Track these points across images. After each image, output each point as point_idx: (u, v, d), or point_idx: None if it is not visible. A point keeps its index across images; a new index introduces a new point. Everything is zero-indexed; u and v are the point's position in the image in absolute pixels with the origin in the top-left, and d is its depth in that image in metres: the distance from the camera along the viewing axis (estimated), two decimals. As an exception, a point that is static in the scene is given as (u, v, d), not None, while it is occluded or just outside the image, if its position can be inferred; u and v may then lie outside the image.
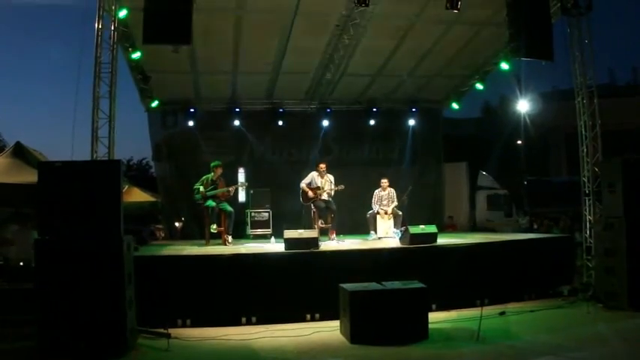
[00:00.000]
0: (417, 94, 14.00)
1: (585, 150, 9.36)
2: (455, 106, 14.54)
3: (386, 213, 10.79)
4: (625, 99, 25.96)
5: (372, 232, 10.77)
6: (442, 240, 9.01)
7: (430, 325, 6.51)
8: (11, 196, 9.01)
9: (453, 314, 7.62)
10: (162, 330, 6.48)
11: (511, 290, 8.40)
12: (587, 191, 9.26)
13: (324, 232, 10.21)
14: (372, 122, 14.10)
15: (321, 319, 7.35)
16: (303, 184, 10.47)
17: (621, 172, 7.87)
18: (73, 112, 8.21)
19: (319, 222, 10.42)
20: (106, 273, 5.80)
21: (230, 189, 10.22)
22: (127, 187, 13.13)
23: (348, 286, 6.56)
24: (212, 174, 9.99)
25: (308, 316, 7.43)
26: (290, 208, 12.47)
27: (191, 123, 13.28)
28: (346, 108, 14.09)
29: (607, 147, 9.29)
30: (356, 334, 6.23)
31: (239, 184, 11.30)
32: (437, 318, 7.12)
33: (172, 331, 6.50)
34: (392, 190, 11.09)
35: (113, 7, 8.12)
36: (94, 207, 5.93)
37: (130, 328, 5.92)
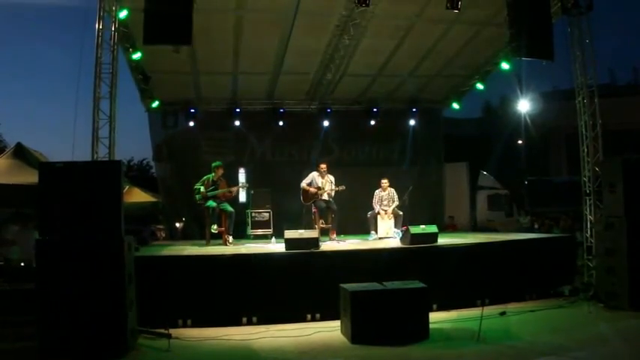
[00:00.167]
0: (418, 94, 14.01)
1: (586, 150, 9.36)
2: (455, 106, 14.55)
3: (386, 213, 10.79)
4: (625, 99, 25.94)
5: (373, 232, 10.77)
6: (443, 240, 9.01)
7: (431, 325, 6.52)
8: (12, 197, 9.02)
9: (453, 314, 7.62)
10: (162, 330, 6.48)
11: (512, 290, 8.40)
12: (587, 191, 9.26)
13: (324, 233, 10.22)
14: (372, 122, 14.10)
15: (322, 319, 7.36)
16: (303, 184, 10.47)
17: (622, 171, 7.87)
18: (74, 112, 8.22)
19: (320, 222, 10.42)
20: (106, 273, 5.81)
21: (232, 189, 10.23)
22: (127, 187, 13.12)
23: (348, 286, 6.57)
24: (213, 174, 9.99)
25: (308, 316, 7.43)
26: (290, 208, 12.45)
27: (191, 123, 13.29)
28: (346, 108, 14.09)
29: (608, 147, 9.29)
30: (357, 334, 6.23)
31: (240, 184, 11.31)
32: (437, 318, 7.12)
33: (173, 332, 6.51)
34: (392, 190, 11.09)
35: (114, 8, 8.12)
36: (94, 207, 5.94)
37: (130, 328, 5.93)
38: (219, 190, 9.92)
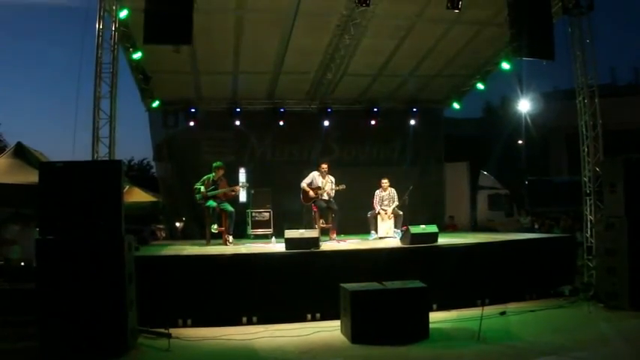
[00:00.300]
0: (418, 94, 14.01)
1: (586, 150, 9.36)
2: (456, 106, 14.55)
3: (386, 213, 10.79)
4: (626, 98, 25.94)
5: (373, 231, 10.77)
6: (443, 240, 9.01)
7: (431, 325, 6.52)
8: (12, 197, 9.02)
9: (453, 314, 7.61)
10: (162, 330, 6.48)
11: (512, 290, 8.40)
12: (588, 191, 9.26)
13: (325, 232, 10.22)
14: (372, 122, 14.11)
15: (322, 318, 7.35)
16: (303, 184, 10.47)
17: (622, 171, 7.88)
18: (74, 112, 8.23)
19: (320, 222, 10.42)
20: (106, 273, 5.81)
21: (235, 188, 10.23)
22: (127, 187, 13.13)
23: (348, 285, 6.56)
24: (213, 174, 9.99)
25: (309, 316, 7.43)
26: (291, 207, 12.46)
27: (192, 123, 13.31)
28: (347, 108, 14.09)
29: (608, 147, 9.29)
30: (357, 333, 6.23)
31: (240, 184, 11.31)
32: (437, 318, 7.12)
33: (173, 331, 6.50)
34: (392, 190, 11.09)
35: (114, 8, 8.13)
36: (95, 207, 5.94)
37: (130, 327, 5.93)
38: (220, 190, 9.92)
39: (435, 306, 7.57)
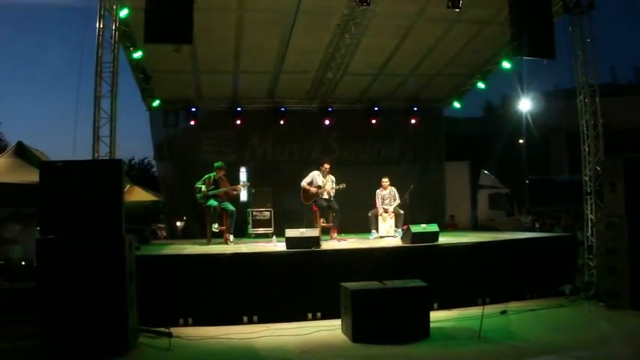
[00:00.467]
0: (419, 93, 14.01)
1: (587, 149, 9.36)
2: (456, 105, 14.54)
3: (387, 212, 10.80)
4: (627, 98, 25.94)
5: (374, 230, 10.77)
6: (443, 239, 9.02)
7: (431, 324, 6.51)
8: (13, 196, 9.02)
9: (454, 313, 7.62)
10: (163, 329, 6.48)
11: (512, 289, 8.39)
12: (588, 190, 9.26)
13: (325, 231, 10.21)
14: (373, 121, 14.11)
15: (323, 317, 7.36)
16: (304, 183, 10.46)
17: (623, 171, 7.88)
18: (75, 111, 8.24)
19: (321, 221, 10.41)
20: (107, 272, 5.82)
21: (237, 187, 10.23)
22: (128, 186, 13.14)
23: (349, 285, 6.56)
24: (214, 173, 9.99)
25: (309, 315, 7.43)
26: (291, 207, 12.46)
27: (192, 122, 13.32)
28: (347, 107, 14.08)
29: (609, 146, 9.30)
30: (357, 332, 6.23)
31: (241, 183, 11.31)
32: (438, 317, 7.12)
33: (174, 330, 6.51)
34: (393, 189, 11.09)
35: (114, 7, 8.12)
36: (95, 206, 5.94)
37: (131, 327, 5.93)
38: (221, 189, 9.92)
39: (435, 305, 7.57)
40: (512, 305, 7.93)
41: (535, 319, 7.32)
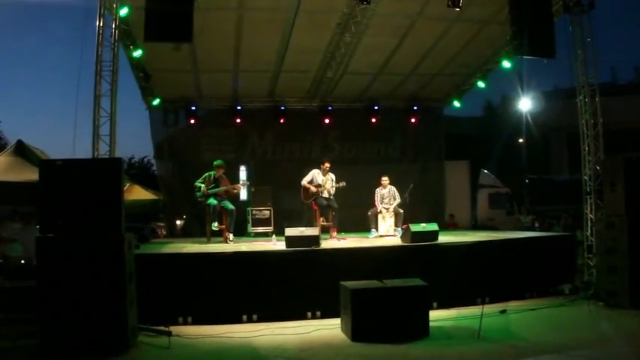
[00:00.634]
0: (419, 93, 14.02)
1: (587, 148, 9.36)
2: (456, 104, 14.55)
3: (387, 211, 10.80)
4: (627, 97, 25.93)
5: (373, 229, 10.76)
6: (443, 238, 9.02)
7: (431, 323, 6.51)
8: (13, 194, 9.02)
9: (453, 312, 7.62)
10: (163, 328, 6.49)
11: (512, 288, 8.39)
12: (588, 190, 9.26)
13: (325, 230, 10.21)
14: (373, 120, 14.13)
15: (322, 316, 7.36)
16: (304, 182, 10.45)
17: (623, 170, 7.87)
18: (75, 110, 8.23)
19: (320, 220, 10.41)
20: (107, 271, 5.82)
21: (237, 186, 10.23)
22: (128, 185, 13.13)
23: (349, 284, 6.56)
24: (214, 172, 9.98)
25: (309, 314, 7.43)
26: (291, 205, 12.49)
27: (192, 121, 13.34)
28: (347, 106, 14.09)
29: (608, 145, 9.30)
30: (357, 331, 6.23)
31: (241, 182, 11.32)
32: (438, 316, 7.12)
33: (173, 329, 6.51)
34: (393, 187, 11.09)
35: (114, 5, 8.12)
36: (95, 205, 5.94)
37: (131, 325, 5.93)
38: (221, 188, 9.92)
39: (435, 304, 7.57)
40: (511, 304, 7.93)
41: (534, 318, 7.32)
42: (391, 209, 10.81)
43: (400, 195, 11.04)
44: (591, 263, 8.91)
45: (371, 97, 13.99)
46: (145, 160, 35.10)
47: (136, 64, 10.74)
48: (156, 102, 12.90)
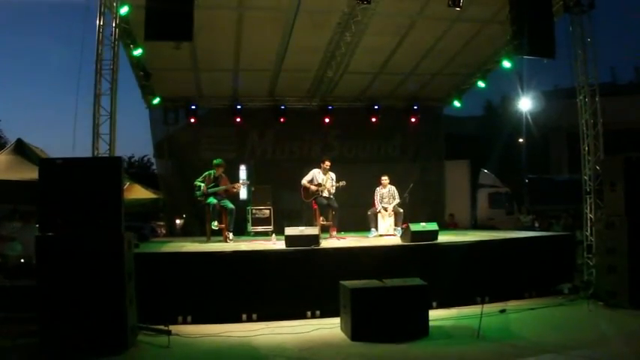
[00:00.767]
0: (419, 92, 14.02)
1: (587, 148, 9.36)
2: (456, 104, 14.56)
3: (387, 210, 10.80)
4: (627, 97, 25.93)
5: (373, 229, 10.76)
6: (443, 238, 9.02)
7: (431, 323, 6.52)
8: (12, 193, 9.02)
9: (453, 312, 7.62)
10: (162, 327, 6.49)
11: (512, 288, 8.40)
12: (588, 189, 9.26)
13: (325, 229, 10.22)
14: (373, 120, 14.13)
15: (322, 316, 7.36)
16: (304, 181, 10.45)
17: (623, 170, 7.87)
18: (75, 109, 8.22)
19: (320, 219, 10.41)
20: (106, 270, 5.81)
21: (236, 185, 10.23)
22: (128, 183, 13.13)
23: (348, 283, 6.57)
24: (214, 171, 9.98)
25: (309, 313, 7.44)
26: (291, 205, 12.50)
27: (192, 120, 13.33)
28: (348, 105, 14.09)
29: (608, 145, 9.29)
30: (356, 331, 6.23)
31: (241, 181, 11.31)
32: (437, 315, 7.13)
33: (173, 328, 6.51)
34: (393, 187, 11.09)
35: (114, 4, 8.11)
36: (95, 204, 5.94)
37: (130, 325, 5.93)
38: (220, 187, 9.91)
39: (435, 304, 7.58)
40: (511, 304, 7.93)
41: (534, 317, 7.32)
42: (390, 209, 10.81)
43: (400, 195, 11.04)
44: (591, 263, 8.91)
45: (371, 97, 13.99)
46: (145, 159, 35.19)
47: (136, 63, 10.74)
48: (156, 101, 12.90)
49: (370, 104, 14.06)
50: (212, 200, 9.80)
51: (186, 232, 13.32)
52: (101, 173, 6.11)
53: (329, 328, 6.76)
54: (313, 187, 10.34)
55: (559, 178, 25.47)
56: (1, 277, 7.89)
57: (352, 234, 11.12)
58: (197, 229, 12.29)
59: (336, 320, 6.81)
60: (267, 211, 12.52)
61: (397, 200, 10.93)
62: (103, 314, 5.73)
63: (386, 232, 10.68)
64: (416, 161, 14.71)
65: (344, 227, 11.12)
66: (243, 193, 12.96)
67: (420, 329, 6.37)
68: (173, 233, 13.81)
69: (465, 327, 6.71)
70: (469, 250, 8.49)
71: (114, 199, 6.06)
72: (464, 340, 6.23)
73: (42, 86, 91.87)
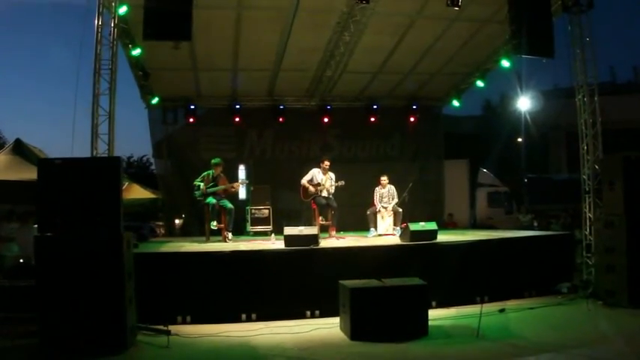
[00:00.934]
0: (418, 92, 14.02)
1: (586, 147, 9.36)
2: (455, 103, 14.56)
3: (386, 210, 10.80)
4: (625, 97, 25.95)
5: (372, 228, 10.77)
6: (442, 237, 9.01)
7: (430, 322, 6.51)
8: (11, 194, 9.01)
9: (452, 311, 7.63)
10: (162, 327, 6.49)
11: (511, 287, 8.40)
12: (587, 189, 9.27)
13: (324, 229, 10.22)
14: (372, 119, 14.12)
15: (321, 315, 7.36)
16: (303, 181, 10.45)
17: (622, 169, 7.87)
18: (73, 109, 8.21)
19: (319, 219, 10.42)
20: (106, 270, 5.81)
21: (235, 185, 10.23)
22: (127, 183, 13.12)
23: (348, 283, 6.56)
24: (212, 170, 9.98)
25: (308, 313, 7.44)
26: (290, 205, 12.48)
27: (191, 120, 13.32)
28: (347, 105, 14.08)
29: (607, 145, 9.31)
30: (356, 330, 6.23)
31: (240, 181, 11.31)
32: (437, 315, 7.12)
33: (172, 328, 6.51)
34: (392, 187, 11.10)
35: (113, 4, 8.10)
36: (93, 204, 5.93)
37: (129, 325, 5.93)
38: (220, 187, 9.91)
39: (434, 303, 7.56)
40: (510, 303, 7.93)
41: (533, 317, 7.33)
42: (389, 208, 10.81)
43: (399, 194, 11.04)
44: (590, 262, 8.92)
45: (370, 96, 13.98)
46: (144, 158, 35.14)
47: (134, 63, 10.73)
48: (155, 101, 12.89)
49: (369, 104, 14.05)
50: (211, 200, 9.80)
51: (185, 232, 13.30)
52: (100, 173, 6.10)
53: (328, 328, 6.76)
54: (312, 187, 10.34)
55: (558, 177, 25.47)
56: (0, 278, 7.88)
57: (351, 234, 11.12)
58: (196, 229, 12.28)
59: (336, 320, 6.81)
60: (267, 211, 12.52)
61: (396, 200, 10.93)
62: (103, 314, 5.72)
63: (385, 232, 10.69)
64: (415, 161, 14.71)
65: (343, 227, 11.12)
66: (242, 193, 12.96)
67: (419, 329, 6.37)
68: (172, 233, 13.78)
69: (465, 326, 6.71)
70: (468, 249, 8.49)
71: (113, 199, 6.05)
72: (463, 339, 6.23)
73: (41, 86, 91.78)
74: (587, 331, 6.48)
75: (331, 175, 10.50)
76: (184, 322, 7.06)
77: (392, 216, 10.82)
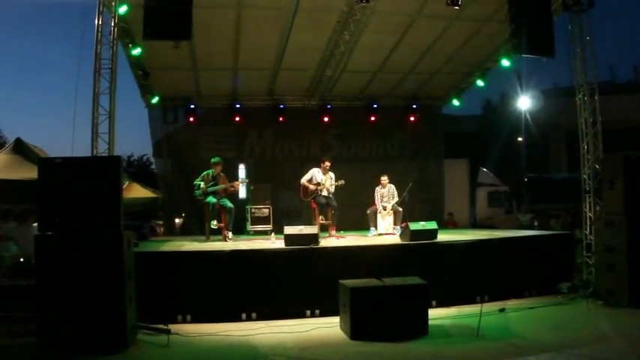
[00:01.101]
0: (418, 91, 14.00)
1: (586, 147, 9.36)
2: (455, 102, 14.56)
3: (386, 209, 10.81)
4: (626, 96, 25.94)
5: (373, 228, 10.77)
6: (442, 236, 9.01)
7: (430, 322, 6.51)
8: (10, 193, 9.01)
9: (452, 311, 7.63)
10: (162, 326, 6.49)
11: (511, 287, 8.40)
12: (587, 188, 9.27)
13: (324, 229, 10.23)
14: (372, 118, 14.11)
15: (321, 315, 7.36)
16: (303, 181, 10.46)
17: (622, 169, 7.87)
18: (74, 108, 8.22)
19: (319, 218, 10.42)
20: (106, 269, 5.81)
21: (235, 184, 10.23)
22: (127, 183, 13.11)
23: (348, 282, 6.57)
24: (212, 170, 9.98)
25: (308, 312, 7.44)
26: (290, 204, 12.48)
27: (191, 119, 13.31)
28: (347, 104, 14.06)
29: (607, 144, 9.30)
30: (356, 330, 6.23)
31: (240, 180, 11.31)
32: (437, 314, 7.13)
33: (172, 327, 6.51)
34: (392, 186, 11.10)
35: (113, 3, 8.10)
36: (94, 203, 5.94)
37: (129, 324, 5.93)
38: (220, 186, 9.91)
39: (434, 302, 7.57)
40: (510, 303, 7.94)
41: (533, 316, 7.33)
42: (389, 207, 10.81)
43: (399, 193, 11.04)
44: (590, 262, 8.92)
45: (370, 96, 13.97)
46: (144, 158, 35.17)
47: (134, 62, 10.72)
48: (155, 100, 12.89)
49: (369, 103, 14.04)
50: (211, 199, 9.80)
51: (185, 231, 13.30)
52: (100, 172, 6.11)
53: (328, 327, 6.77)
54: (312, 186, 10.34)
55: (558, 176, 25.49)
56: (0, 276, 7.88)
57: (351, 233, 11.12)
58: (196, 228, 12.28)
59: (336, 319, 6.81)
60: (267, 210, 12.52)
61: (396, 199, 10.93)
62: (103, 313, 5.73)
63: (385, 231, 10.69)
64: (415, 160, 14.70)
65: (343, 226, 11.13)
66: (242, 192, 12.95)
67: (419, 328, 6.37)
68: (172, 232, 13.78)
69: (465, 326, 6.72)
70: (468, 249, 8.49)
71: (113, 198, 6.06)
72: (463, 339, 6.23)
73: (41, 86, 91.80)
74: (587, 331, 6.48)
75: (331, 174, 10.50)
76: (184, 322, 7.07)
77: (392, 215, 10.82)
